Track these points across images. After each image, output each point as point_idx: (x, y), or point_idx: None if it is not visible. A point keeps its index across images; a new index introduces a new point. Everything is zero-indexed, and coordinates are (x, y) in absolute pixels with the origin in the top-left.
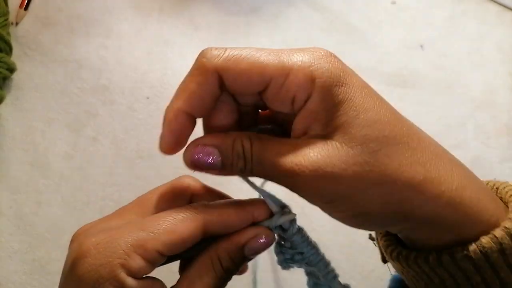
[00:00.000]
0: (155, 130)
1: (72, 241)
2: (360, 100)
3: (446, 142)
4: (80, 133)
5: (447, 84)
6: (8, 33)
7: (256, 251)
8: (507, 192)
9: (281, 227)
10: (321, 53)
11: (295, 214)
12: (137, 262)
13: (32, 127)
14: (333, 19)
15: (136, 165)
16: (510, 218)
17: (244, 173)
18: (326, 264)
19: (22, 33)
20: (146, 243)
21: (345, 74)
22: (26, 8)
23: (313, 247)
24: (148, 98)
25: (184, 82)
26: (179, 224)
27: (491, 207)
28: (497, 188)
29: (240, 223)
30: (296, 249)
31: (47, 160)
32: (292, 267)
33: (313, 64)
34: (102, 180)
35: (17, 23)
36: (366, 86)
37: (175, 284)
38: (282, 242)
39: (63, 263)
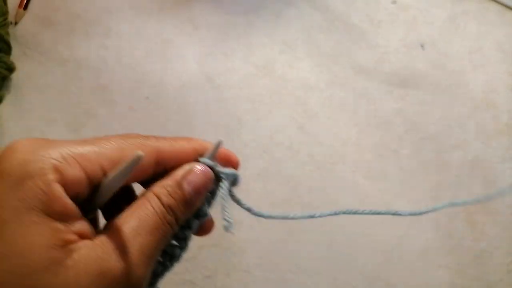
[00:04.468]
0: (155, 130)
1: None
2: None
3: (446, 142)
4: (80, 133)
5: (447, 84)
6: (7, 33)
7: (195, 185)
8: None
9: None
10: None
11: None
12: (74, 169)
13: (32, 127)
14: (333, 19)
15: None
16: None
17: None
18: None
19: (22, 33)
20: (89, 154)
21: None
22: (25, 8)
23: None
24: (148, 98)
25: None
26: (130, 146)
27: None
28: None
29: (190, 154)
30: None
31: None
32: None
33: None
34: None
35: (16, 23)
36: None
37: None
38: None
39: None
